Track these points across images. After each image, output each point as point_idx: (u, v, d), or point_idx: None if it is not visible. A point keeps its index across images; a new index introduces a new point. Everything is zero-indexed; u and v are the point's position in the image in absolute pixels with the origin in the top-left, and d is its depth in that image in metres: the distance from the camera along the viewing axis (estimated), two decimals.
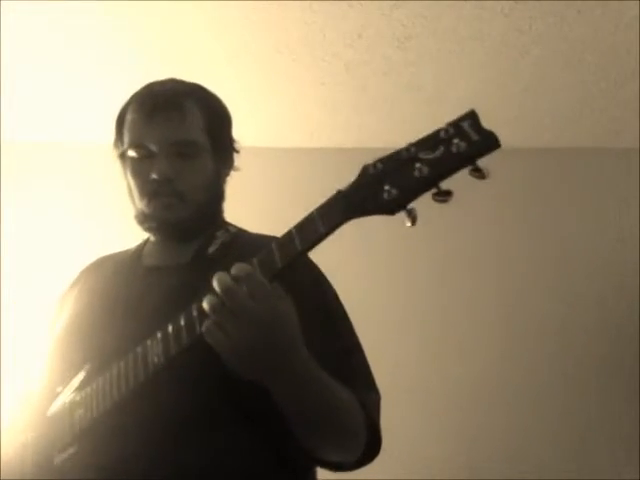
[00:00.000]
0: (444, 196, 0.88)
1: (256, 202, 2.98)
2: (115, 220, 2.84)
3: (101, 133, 2.88)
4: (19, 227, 2.82)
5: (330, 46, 2.40)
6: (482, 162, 0.87)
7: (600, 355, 2.95)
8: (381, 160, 0.92)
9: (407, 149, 0.90)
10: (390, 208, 0.90)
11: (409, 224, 0.89)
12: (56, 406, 1.16)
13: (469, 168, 0.87)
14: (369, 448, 1.15)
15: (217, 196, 1.32)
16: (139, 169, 1.24)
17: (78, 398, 1.12)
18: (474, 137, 0.86)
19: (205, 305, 0.94)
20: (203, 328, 0.95)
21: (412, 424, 2.88)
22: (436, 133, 0.89)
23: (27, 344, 2.65)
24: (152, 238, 1.32)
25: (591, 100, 2.79)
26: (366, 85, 2.66)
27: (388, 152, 0.93)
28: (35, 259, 2.80)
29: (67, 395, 1.15)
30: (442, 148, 0.87)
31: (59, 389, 1.17)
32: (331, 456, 1.14)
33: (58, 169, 2.92)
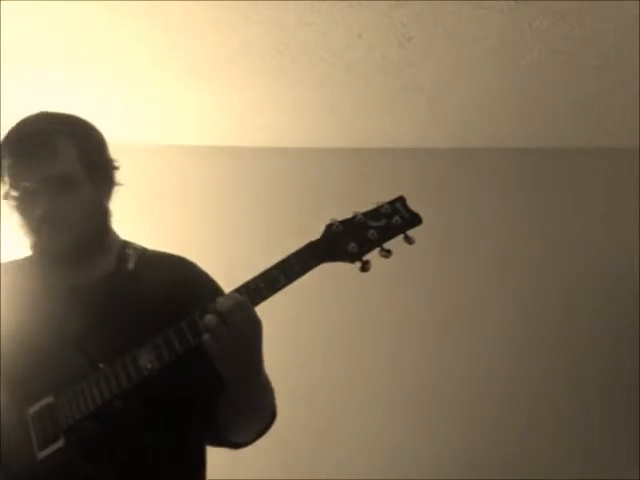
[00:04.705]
0: (387, 252, 1.24)
1: (256, 202, 2.98)
2: (114, 219, 2.84)
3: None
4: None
5: (330, 46, 2.40)
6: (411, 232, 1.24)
7: (601, 355, 2.95)
8: (342, 222, 1.26)
9: (360, 218, 1.25)
10: (352, 258, 1.25)
11: (360, 270, 1.24)
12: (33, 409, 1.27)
13: (402, 235, 1.25)
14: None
15: (102, 220, 1.43)
16: (24, 207, 1.35)
17: (59, 400, 1.25)
18: (405, 215, 1.26)
19: (208, 322, 1.18)
20: (204, 338, 1.19)
21: (414, 424, 2.88)
22: (379, 208, 1.26)
23: None
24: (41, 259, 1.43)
25: (591, 100, 2.79)
26: (366, 85, 2.66)
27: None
28: None
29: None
30: (385, 220, 1.25)
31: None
32: (240, 438, 1.38)
33: None
